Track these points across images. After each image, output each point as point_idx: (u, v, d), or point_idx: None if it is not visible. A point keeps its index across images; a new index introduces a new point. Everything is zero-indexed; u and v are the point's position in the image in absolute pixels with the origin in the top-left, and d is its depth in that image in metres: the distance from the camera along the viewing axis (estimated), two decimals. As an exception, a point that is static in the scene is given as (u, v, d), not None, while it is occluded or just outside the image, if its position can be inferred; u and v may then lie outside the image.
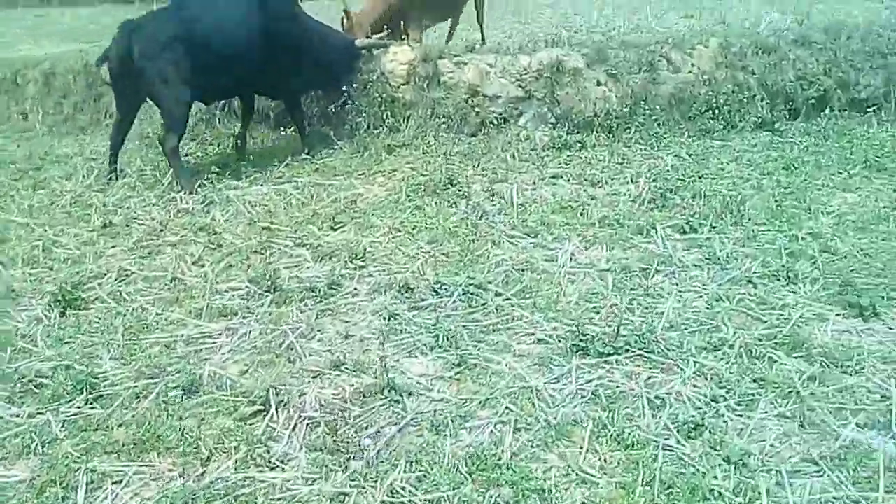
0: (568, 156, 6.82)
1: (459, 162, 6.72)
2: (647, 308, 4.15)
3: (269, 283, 4.39)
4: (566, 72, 7.19)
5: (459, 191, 6.00)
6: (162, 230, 5.47)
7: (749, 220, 5.30)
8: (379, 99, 7.27)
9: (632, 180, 6.18)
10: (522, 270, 4.58)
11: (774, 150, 6.92)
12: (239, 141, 7.33)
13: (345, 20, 7.94)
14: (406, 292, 4.30)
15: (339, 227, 5.36)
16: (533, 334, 3.91)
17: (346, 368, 3.63)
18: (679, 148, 6.97)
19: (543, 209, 5.58)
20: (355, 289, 4.41)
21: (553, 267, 4.64)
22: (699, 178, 6.25)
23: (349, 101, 7.20)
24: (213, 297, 4.39)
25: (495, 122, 7.23)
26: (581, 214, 5.46)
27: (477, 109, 7.20)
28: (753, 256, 4.73)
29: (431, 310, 4.15)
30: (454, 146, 7.02)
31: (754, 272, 4.50)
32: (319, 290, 4.35)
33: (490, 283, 4.40)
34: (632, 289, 4.34)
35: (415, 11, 8.36)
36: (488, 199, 5.81)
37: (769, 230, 5.15)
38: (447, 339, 3.81)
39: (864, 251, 4.78)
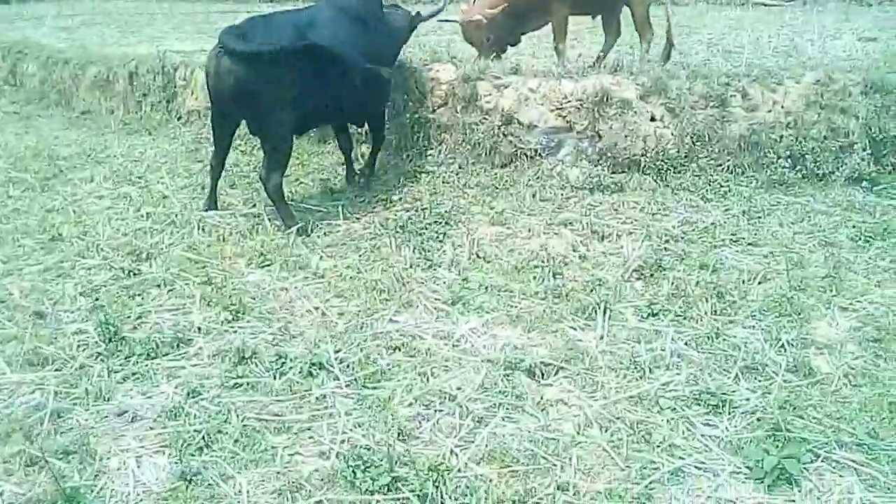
0: (595, 200, 5.91)
1: (473, 196, 6.04)
2: (473, 431, 3.28)
3: (113, 332, 3.97)
4: (612, 103, 6.22)
5: (443, 232, 5.36)
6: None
7: (737, 309, 4.23)
8: (410, 120, 6.71)
9: (647, 237, 5.22)
10: (395, 349, 3.88)
11: (858, 213, 5.60)
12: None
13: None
14: (240, 362, 3.74)
15: (266, 266, 4.90)
16: (319, 445, 3.20)
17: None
18: (737, 201, 5.81)
19: (499, 267, 4.79)
20: (200, 348, 3.91)
21: (438, 347, 3.90)
22: (731, 242, 5.16)
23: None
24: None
25: (529, 154, 6.40)
26: (534, 279, 4.61)
27: (510, 138, 6.42)
28: (696, 364, 3.72)
29: (239, 390, 3.56)
30: (476, 177, 6.34)
31: (671, 391, 3.50)
32: (160, 347, 3.90)
33: (341, 362, 3.74)
34: (500, 392, 3.51)
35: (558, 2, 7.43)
36: (459, 246, 5.10)
37: (751, 328, 4.06)
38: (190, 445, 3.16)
39: (853, 379, 3.60)
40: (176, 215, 5.73)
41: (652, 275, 4.70)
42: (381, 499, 2.83)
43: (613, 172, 6.25)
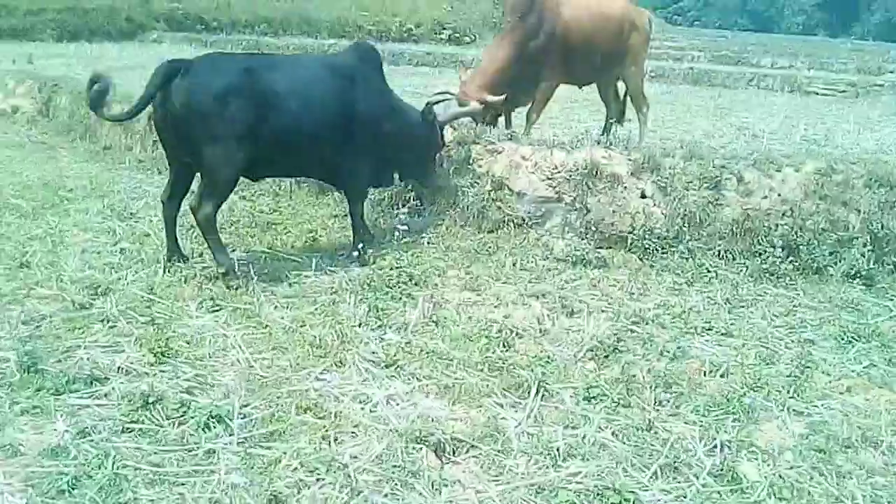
0: (575, 274, 5.71)
1: (453, 259, 5.90)
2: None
3: (32, 363, 3.87)
4: (603, 177, 6.06)
5: (409, 293, 5.22)
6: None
7: (682, 403, 3.97)
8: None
9: (616, 317, 5.00)
10: (307, 409, 3.71)
11: (849, 312, 5.29)
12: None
13: (461, 77, 7.34)
14: (143, 407, 3.58)
15: (215, 311, 4.81)
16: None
17: None
18: (721, 288, 5.55)
19: (449, 334, 4.62)
20: (112, 388, 3.79)
21: (352, 411, 3.72)
22: (703, 330, 4.90)
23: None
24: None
25: (516, 222, 6.26)
26: (479, 350, 4.42)
27: (499, 205, 6.30)
28: (616, 457, 3.47)
29: (130, 435, 3.41)
30: (461, 241, 6.21)
31: (576, 483, 3.25)
32: (73, 383, 3.80)
33: (244, 417, 3.58)
34: (396, 465, 3.29)
35: (552, 67, 7.28)
36: (416, 309, 4.95)
37: (691, 423, 3.79)
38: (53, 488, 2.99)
39: (779, 492, 3.31)
40: (149, 254, 5.72)
41: (606, 356, 4.48)
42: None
43: (599, 247, 6.07)
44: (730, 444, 3.61)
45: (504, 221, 6.32)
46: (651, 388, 4.08)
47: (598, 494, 3.17)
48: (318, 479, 3.16)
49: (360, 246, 5.78)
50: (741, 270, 5.80)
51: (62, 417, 3.51)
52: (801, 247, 5.80)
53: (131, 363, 4.05)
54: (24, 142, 9.76)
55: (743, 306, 5.35)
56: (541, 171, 6.25)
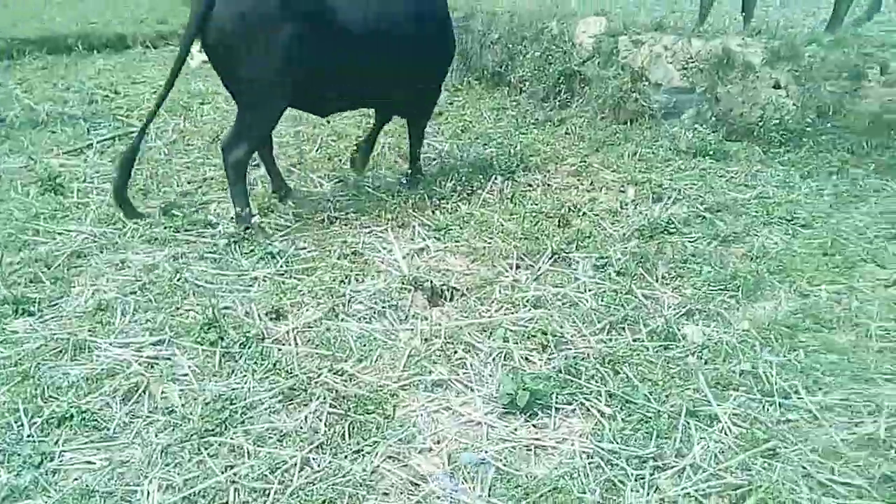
0: (690, 164, 5.79)
1: (579, 149, 6.23)
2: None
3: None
4: (735, 66, 5.93)
5: (514, 173, 5.71)
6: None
7: (688, 280, 4.15)
8: (556, 72, 7.00)
9: (695, 204, 5.13)
10: (346, 256, 4.47)
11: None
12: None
13: None
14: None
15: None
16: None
17: None
18: (837, 182, 5.34)
19: (515, 210, 5.07)
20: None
21: (381, 258, 4.44)
22: (782, 220, 4.86)
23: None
24: None
25: (651, 113, 6.37)
26: (532, 223, 4.85)
27: (636, 96, 6.44)
28: (544, 307, 3.85)
29: None
30: (596, 131, 6.49)
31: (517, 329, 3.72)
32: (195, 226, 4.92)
33: (294, 254, 4.49)
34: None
35: None
36: (506, 184, 5.45)
37: (683, 295, 4.00)
38: None
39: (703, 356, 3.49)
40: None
41: (651, 236, 4.70)
42: None
43: (728, 139, 6.02)
44: (702, 312, 3.80)
45: (641, 112, 6.46)
46: (667, 263, 4.29)
47: (529, 336, 3.61)
48: (317, 302, 3.95)
49: (418, 175, 5.60)
50: (871, 165, 5.47)
51: (168, 246, 4.61)
52: (941, 143, 5.32)
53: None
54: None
55: (852, 201, 5.13)
56: (678, 62, 6.26)
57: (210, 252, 4.52)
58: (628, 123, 6.50)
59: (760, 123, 5.87)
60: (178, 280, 4.16)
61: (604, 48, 6.75)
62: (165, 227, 4.80)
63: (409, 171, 5.65)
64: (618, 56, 6.65)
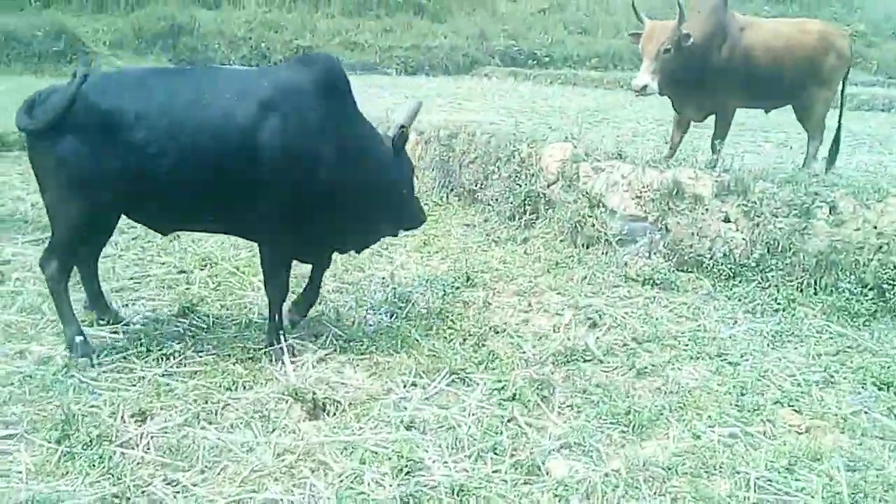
0: (635, 292, 5.65)
1: (532, 269, 6.15)
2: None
3: None
4: (685, 197, 5.86)
5: (459, 291, 5.65)
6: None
7: (587, 413, 3.97)
8: (524, 194, 7.01)
9: (628, 334, 4.97)
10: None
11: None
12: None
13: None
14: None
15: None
16: None
17: None
18: (784, 319, 5.15)
19: (437, 325, 4.97)
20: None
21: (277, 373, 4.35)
22: (711, 357, 4.67)
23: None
24: None
25: (607, 239, 6.28)
26: (447, 341, 4.73)
27: (593, 221, 6.38)
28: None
29: None
30: (552, 253, 6.42)
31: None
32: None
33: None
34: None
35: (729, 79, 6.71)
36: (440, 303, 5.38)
37: (555, 420, 3.81)
38: None
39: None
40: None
41: (566, 362, 4.54)
42: None
43: (678, 269, 5.90)
44: (579, 447, 3.61)
45: (597, 238, 6.39)
46: (573, 391, 4.13)
47: (387, 458, 3.44)
48: (187, 407, 3.85)
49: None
50: (817, 305, 5.27)
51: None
52: (886, 287, 5.11)
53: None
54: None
55: (790, 341, 4.93)
56: (632, 190, 6.22)
57: (108, 349, 4.48)
58: (585, 247, 6.42)
59: (710, 255, 5.73)
60: (63, 375, 4.11)
61: (566, 173, 6.75)
62: (82, 321, 4.79)
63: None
64: (578, 182, 6.64)
